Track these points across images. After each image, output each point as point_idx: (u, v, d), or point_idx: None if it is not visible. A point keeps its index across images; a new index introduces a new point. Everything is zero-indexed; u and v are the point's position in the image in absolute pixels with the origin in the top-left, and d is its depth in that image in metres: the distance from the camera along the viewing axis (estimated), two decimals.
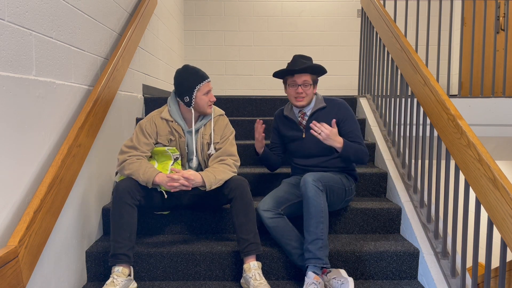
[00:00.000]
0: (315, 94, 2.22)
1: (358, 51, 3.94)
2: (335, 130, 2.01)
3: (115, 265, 1.81)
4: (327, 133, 1.97)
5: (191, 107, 1.99)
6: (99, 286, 1.91)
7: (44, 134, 1.63)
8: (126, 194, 1.83)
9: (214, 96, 2.08)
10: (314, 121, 2.02)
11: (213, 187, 1.91)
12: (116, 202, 1.83)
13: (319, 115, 2.17)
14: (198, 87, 1.96)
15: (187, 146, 2.07)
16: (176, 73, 2.03)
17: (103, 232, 2.21)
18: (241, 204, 1.90)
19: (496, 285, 3.78)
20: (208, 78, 2.02)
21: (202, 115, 2.06)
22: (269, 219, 1.96)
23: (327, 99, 2.22)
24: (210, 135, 2.07)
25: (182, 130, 2.05)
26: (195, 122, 2.06)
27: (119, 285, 1.75)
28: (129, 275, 1.84)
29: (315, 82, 2.16)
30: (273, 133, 2.36)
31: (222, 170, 1.96)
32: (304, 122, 2.20)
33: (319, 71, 2.14)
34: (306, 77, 2.10)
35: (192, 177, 1.85)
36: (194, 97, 1.97)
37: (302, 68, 2.07)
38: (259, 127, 2.21)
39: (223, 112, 2.16)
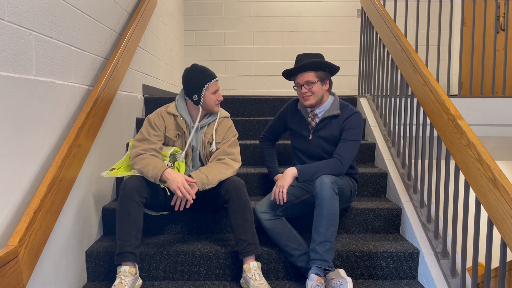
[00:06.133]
0: (332, 95, 2.12)
1: (358, 51, 3.94)
2: (281, 181, 1.93)
3: (121, 265, 1.79)
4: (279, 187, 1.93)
5: (199, 105, 2.02)
6: (99, 286, 1.91)
7: (44, 134, 1.63)
8: (134, 192, 1.82)
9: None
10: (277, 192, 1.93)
11: (207, 187, 1.90)
12: (123, 200, 1.81)
13: (328, 123, 2.08)
14: (207, 86, 1.99)
15: (190, 142, 2.08)
16: (184, 72, 2.05)
17: (103, 232, 2.21)
18: (238, 205, 1.89)
19: (496, 285, 3.77)
20: (216, 77, 2.03)
21: (209, 113, 2.09)
22: (267, 221, 1.96)
23: (343, 107, 2.10)
24: (212, 135, 2.08)
25: (187, 125, 2.06)
26: (201, 120, 2.08)
27: (127, 285, 1.74)
28: (136, 273, 1.83)
29: (322, 79, 2.03)
30: (279, 120, 2.27)
31: (216, 170, 1.95)
32: (313, 124, 2.12)
33: (322, 66, 2.01)
34: (308, 75, 2.01)
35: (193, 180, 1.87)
36: (202, 95, 2.00)
37: (298, 66, 2.00)
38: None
39: (228, 114, 2.17)
